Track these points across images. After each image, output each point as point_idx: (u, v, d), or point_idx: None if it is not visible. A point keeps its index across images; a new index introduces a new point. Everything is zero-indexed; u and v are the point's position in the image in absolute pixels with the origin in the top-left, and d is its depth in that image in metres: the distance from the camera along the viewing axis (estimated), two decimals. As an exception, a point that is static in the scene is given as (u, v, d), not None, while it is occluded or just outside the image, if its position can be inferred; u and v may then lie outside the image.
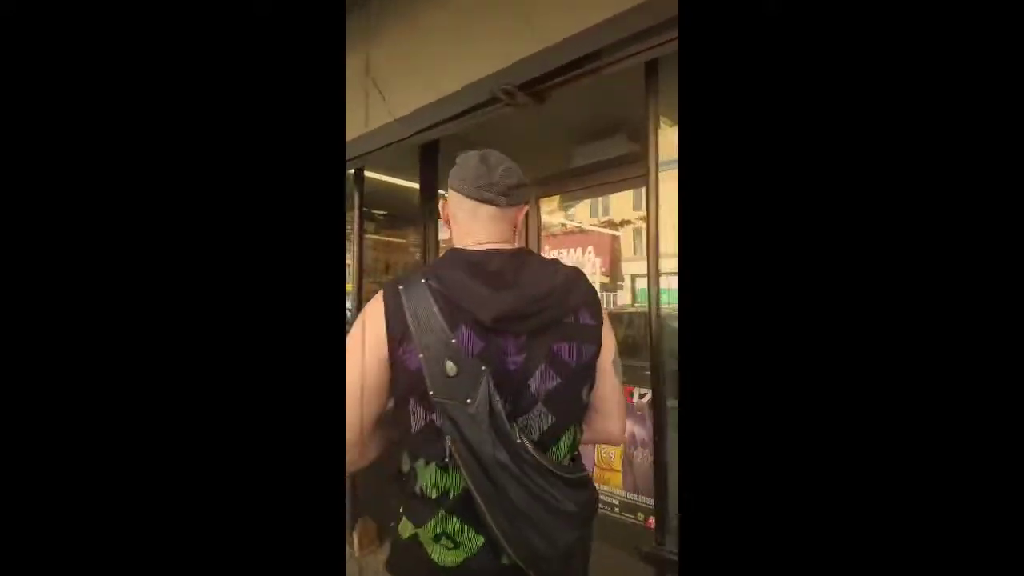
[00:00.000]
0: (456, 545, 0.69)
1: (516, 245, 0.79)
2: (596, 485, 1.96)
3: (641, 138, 1.54)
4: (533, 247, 2.26)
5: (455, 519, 0.69)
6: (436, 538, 0.69)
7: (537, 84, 1.46)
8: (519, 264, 0.75)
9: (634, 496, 1.93)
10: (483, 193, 0.76)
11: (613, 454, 1.99)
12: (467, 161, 0.78)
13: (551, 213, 2.44)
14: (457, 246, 0.78)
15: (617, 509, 1.97)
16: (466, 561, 0.69)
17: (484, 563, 0.69)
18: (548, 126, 2.75)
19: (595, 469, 2.05)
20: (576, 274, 0.78)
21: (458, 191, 0.78)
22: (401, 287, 0.71)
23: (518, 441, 0.66)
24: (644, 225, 1.40)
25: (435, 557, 0.69)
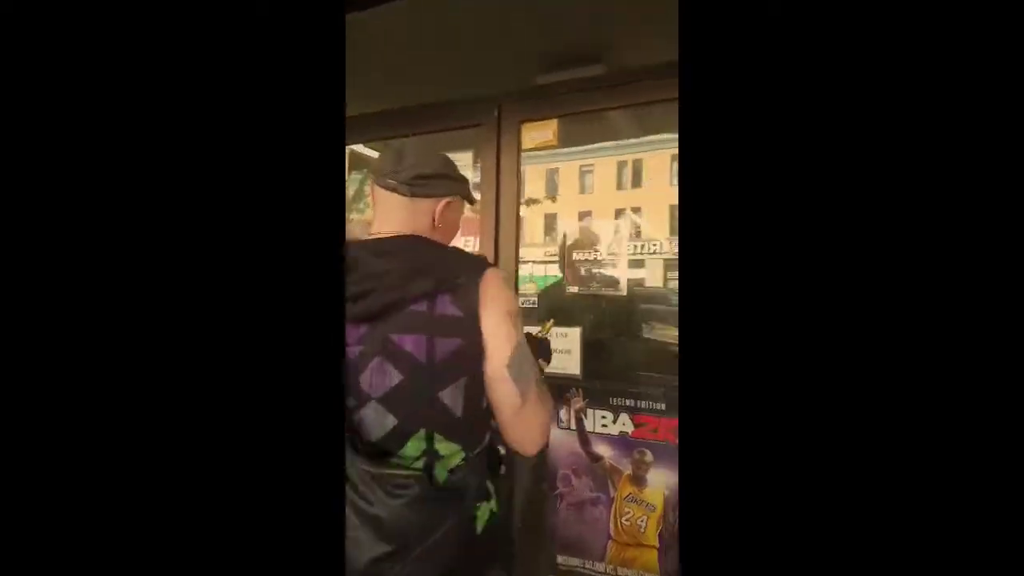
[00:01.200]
0: None
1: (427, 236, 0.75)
2: (615, 568, 1.30)
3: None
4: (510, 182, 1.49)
5: None
6: None
7: None
8: (395, 249, 0.70)
9: (678, 586, 1.23)
10: (385, 180, 0.74)
11: (644, 521, 1.27)
12: (388, 148, 0.78)
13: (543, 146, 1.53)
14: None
15: (649, 607, 1.26)
16: None
17: None
18: (512, 48, 1.95)
19: (611, 543, 1.31)
20: (452, 257, 0.73)
21: (373, 181, 0.78)
22: None
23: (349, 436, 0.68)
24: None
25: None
